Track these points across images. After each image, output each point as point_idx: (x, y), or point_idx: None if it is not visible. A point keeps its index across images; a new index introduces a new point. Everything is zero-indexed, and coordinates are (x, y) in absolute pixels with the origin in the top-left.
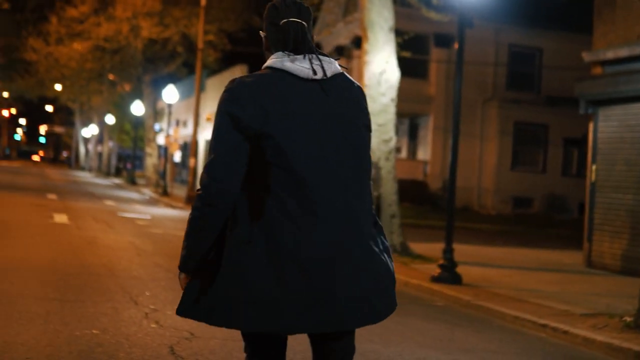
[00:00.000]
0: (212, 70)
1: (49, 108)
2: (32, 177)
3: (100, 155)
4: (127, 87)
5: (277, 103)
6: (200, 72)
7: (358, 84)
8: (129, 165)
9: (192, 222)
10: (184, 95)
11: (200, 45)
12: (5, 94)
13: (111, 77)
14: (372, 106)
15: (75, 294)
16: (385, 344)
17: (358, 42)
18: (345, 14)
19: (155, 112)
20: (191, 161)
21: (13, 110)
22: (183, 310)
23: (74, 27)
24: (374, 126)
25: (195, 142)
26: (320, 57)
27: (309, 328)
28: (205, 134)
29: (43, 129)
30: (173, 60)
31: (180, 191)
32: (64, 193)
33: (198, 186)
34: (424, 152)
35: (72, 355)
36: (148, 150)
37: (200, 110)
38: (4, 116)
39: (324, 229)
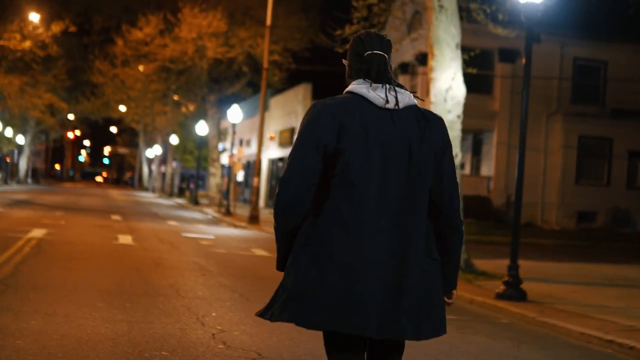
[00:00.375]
0: (276, 89)
1: (113, 129)
2: (96, 198)
3: (163, 175)
4: (192, 108)
5: (352, 124)
6: (265, 91)
7: (435, 114)
8: (192, 185)
9: (275, 230)
10: (248, 115)
11: (265, 64)
12: (71, 116)
13: (176, 97)
14: None
15: (143, 315)
16: None
17: (422, 58)
18: (410, 31)
19: (219, 132)
20: (255, 180)
21: (78, 132)
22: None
23: (140, 49)
24: None
25: (259, 162)
26: (397, 88)
27: (342, 329)
28: (269, 153)
29: (107, 150)
30: (238, 80)
31: (243, 210)
32: (127, 214)
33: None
34: (487, 168)
35: None
36: (212, 170)
37: (264, 129)
38: (69, 138)
39: (373, 241)
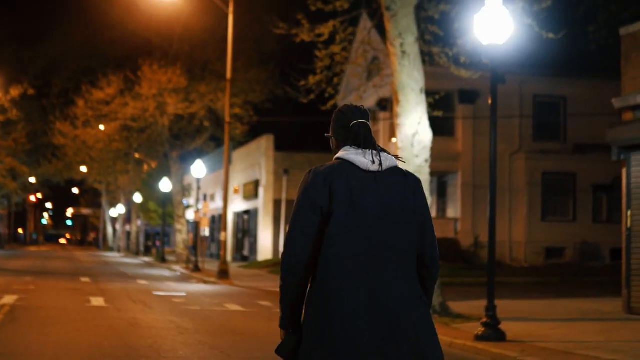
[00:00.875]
0: (239, 142)
1: (75, 191)
2: (62, 261)
3: (128, 234)
4: (154, 165)
5: (341, 186)
6: (228, 145)
7: (413, 175)
8: (158, 243)
9: (281, 289)
10: (211, 169)
11: (227, 118)
12: (33, 180)
13: (137, 155)
14: (406, 168)
15: None
16: None
17: (384, 104)
18: (369, 77)
19: (183, 188)
20: (222, 235)
21: (39, 195)
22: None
23: (101, 109)
24: None
25: (225, 216)
26: (381, 152)
27: None
28: (234, 206)
29: (70, 211)
30: (200, 135)
31: (212, 266)
32: (96, 275)
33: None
34: (453, 210)
35: None
36: (177, 226)
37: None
38: (31, 201)
39: (364, 294)
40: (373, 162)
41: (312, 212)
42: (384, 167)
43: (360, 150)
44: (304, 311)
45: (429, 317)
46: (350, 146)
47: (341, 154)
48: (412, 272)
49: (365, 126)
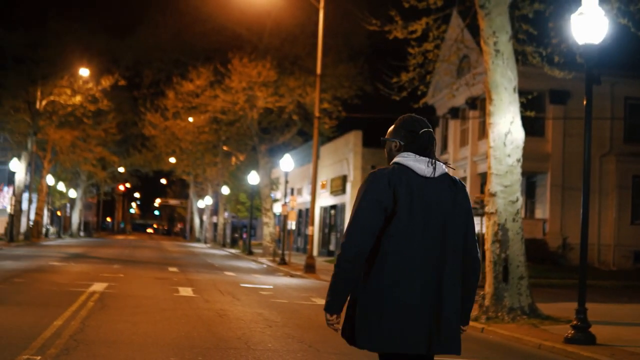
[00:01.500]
0: (327, 138)
1: (163, 181)
2: (149, 250)
3: (215, 226)
4: (242, 158)
5: (403, 190)
6: (317, 140)
7: (460, 181)
8: (244, 235)
9: (337, 276)
10: (299, 164)
11: (316, 113)
12: (122, 169)
13: (226, 148)
14: (497, 168)
15: None
16: None
17: (473, 103)
18: (459, 75)
19: (271, 181)
20: (309, 229)
21: (128, 185)
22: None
23: (191, 101)
24: (500, 187)
25: (313, 211)
26: (435, 161)
27: (409, 350)
28: (321, 201)
29: (157, 201)
30: (288, 129)
31: (298, 259)
32: (184, 265)
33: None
34: (542, 210)
35: None
36: (265, 219)
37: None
38: (119, 191)
39: (417, 282)
40: (428, 168)
41: (377, 210)
42: (437, 174)
43: (418, 157)
44: (355, 298)
45: (460, 310)
46: (409, 152)
47: (400, 159)
48: (460, 271)
49: (432, 135)
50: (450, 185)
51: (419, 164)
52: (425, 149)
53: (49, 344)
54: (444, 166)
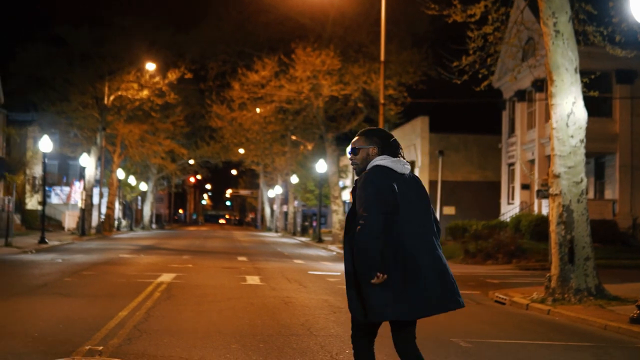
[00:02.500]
0: (393, 124)
1: (233, 172)
2: (220, 240)
3: (285, 214)
4: (310, 147)
5: (402, 189)
6: (383, 126)
7: (417, 177)
8: (314, 223)
9: (368, 251)
10: None
11: (382, 100)
12: (191, 161)
13: (294, 137)
14: (561, 149)
15: (277, 355)
16: None
17: (540, 85)
18: (524, 58)
19: (339, 169)
20: None
21: (199, 176)
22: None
23: (256, 92)
24: (563, 169)
25: None
26: (405, 161)
27: (421, 315)
28: None
29: (228, 192)
30: (354, 117)
31: None
32: (253, 254)
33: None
34: (611, 191)
35: None
36: (334, 207)
37: None
38: (190, 183)
39: (429, 256)
40: (404, 167)
41: (393, 194)
42: (407, 171)
43: (394, 159)
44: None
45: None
46: (387, 155)
47: (380, 162)
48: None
49: (398, 142)
50: (416, 181)
51: (396, 164)
52: (397, 153)
53: (112, 334)
54: (407, 164)
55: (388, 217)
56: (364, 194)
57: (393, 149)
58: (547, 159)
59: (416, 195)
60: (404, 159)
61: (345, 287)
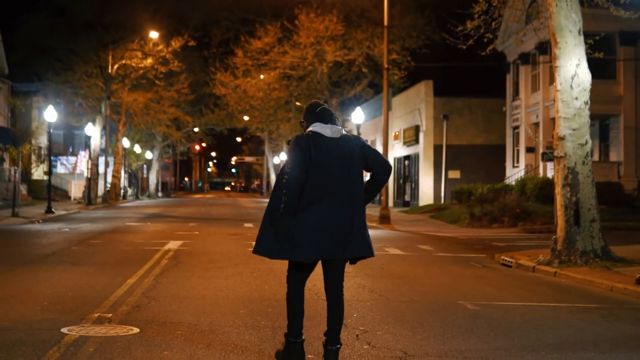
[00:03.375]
0: (398, 89)
1: (238, 139)
2: (226, 207)
3: None
4: None
5: (314, 147)
6: (387, 91)
7: (355, 137)
8: None
9: (286, 203)
10: (370, 116)
11: (385, 64)
12: (196, 129)
13: (298, 103)
14: (565, 111)
15: (285, 320)
16: (599, 351)
17: (543, 48)
18: (528, 21)
19: None
20: None
21: (204, 144)
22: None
23: (260, 58)
24: (568, 131)
25: None
26: (335, 126)
27: (326, 257)
28: (394, 152)
29: (233, 159)
30: (358, 82)
31: (373, 211)
32: (259, 221)
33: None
34: (616, 153)
35: None
36: None
37: (388, 129)
38: (195, 150)
39: (327, 208)
40: (331, 131)
41: (305, 157)
42: (337, 135)
43: (323, 125)
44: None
45: (365, 225)
46: (318, 122)
47: (312, 128)
48: (355, 196)
49: (328, 110)
50: (347, 141)
51: (324, 129)
52: (327, 121)
53: (120, 301)
54: (342, 130)
55: (303, 174)
56: (288, 155)
57: (321, 117)
58: (552, 122)
59: (340, 156)
60: (338, 125)
61: None
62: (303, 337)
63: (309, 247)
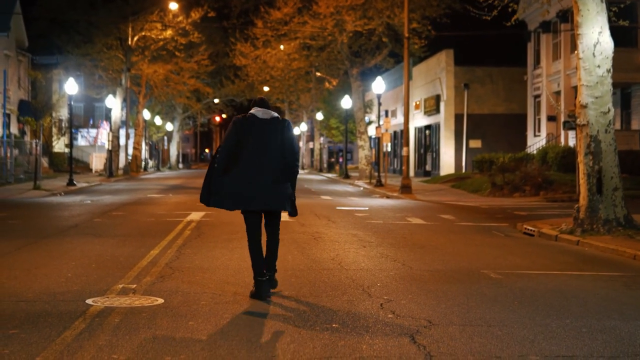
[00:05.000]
0: (418, 58)
1: None
2: None
3: (312, 151)
4: (335, 82)
5: (247, 127)
6: (408, 60)
7: (285, 120)
8: (340, 159)
9: (212, 168)
10: (391, 86)
11: (405, 33)
12: (216, 100)
13: (318, 73)
14: (587, 79)
15: (310, 289)
16: (623, 319)
17: (563, 15)
18: None
19: (364, 105)
20: (404, 150)
21: (224, 115)
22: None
23: (280, 29)
24: (591, 99)
25: (407, 132)
26: (267, 110)
27: (249, 208)
28: (415, 121)
29: None
30: (379, 52)
31: (394, 181)
32: None
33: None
34: (638, 121)
35: (317, 350)
36: (360, 142)
37: (409, 98)
38: (215, 122)
39: (252, 173)
40: (263, 115)
41: (234, 137)
42: (268, 117)
43: (258, 109)
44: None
45: (283, 187)
46: (257, 107)
47: (251, 111)
48: (271, 165)
49: (261, 100)
50: (275, 123)
51: (258, 112)
52: (261, 106)
53: (144, 272)
54: (274, 113)
55: (233, 144)
56: (227, 129)
57: (258, 104)
58: (573, 90)
59: (267, 133)
60: (270, 110)
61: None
62: (267, 277)
63: (231, 199)
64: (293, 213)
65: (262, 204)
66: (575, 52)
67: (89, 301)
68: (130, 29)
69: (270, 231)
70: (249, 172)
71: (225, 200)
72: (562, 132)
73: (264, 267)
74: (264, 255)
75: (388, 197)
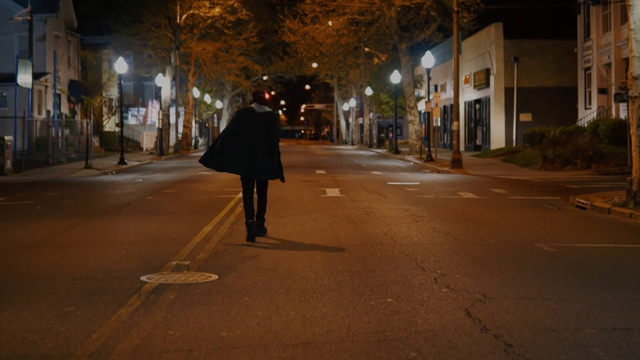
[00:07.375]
0: (468, 31)
1: (307, 87)
2: (298, 155)
3: (361, 127)
4: (384, 57)
5: (246, 117)
6: (457, 34)
7: (275, 113)
8: (390, 135)
9: (212, 147)
10: (440, 60)
11: (454, 7)
12: (265, 77)
13: (367, 49)
14: (639, 50)
15: (363, 264)
16: None
17: None
18: None
19: (414, 79)
20: (455, 124)
21: (273, 92)
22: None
23: (328, 4)
24: None
25: (457, 106)
26: (262, 105)
27: (242, 175)
28: (465, 96)
29: (303, 107)
30: (427, 26)
31: (444, 156)
32: (331, 167)
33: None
34: None
35: (371, 325)
36: (409, 117)
37: (458, 72)
38: (265, 98)
39: (243, 148)
40: (259, 109)
41: (239, 119)
42: (262, 111)
43: (256, 104)
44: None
45: (268, 163)
46: (255, 102)
47: (250, 105)
48: (260, 144)
49: (256, 96)
50: (265, 115)
51: (256, 107)
52: (258, 102)
53: (198, 249)
54: (267, 108)
55: (234, 130)
56: (232, 115)
57: (256, 99)
58: (624, 63)
59: (258, 123)
60: (264, 105)
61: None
62: (255, 220)
63: (226, 165)
64: (282, 179)
65: (252, 174)
66: (626, 23)
67: (143, 278)
68: (178, 7)
69: (259, 193)
70: (244, 148)
71: (221, 165)
72: (614, 105)
73: (254, 217)
74: (256, 211)
75: (439, 171)
